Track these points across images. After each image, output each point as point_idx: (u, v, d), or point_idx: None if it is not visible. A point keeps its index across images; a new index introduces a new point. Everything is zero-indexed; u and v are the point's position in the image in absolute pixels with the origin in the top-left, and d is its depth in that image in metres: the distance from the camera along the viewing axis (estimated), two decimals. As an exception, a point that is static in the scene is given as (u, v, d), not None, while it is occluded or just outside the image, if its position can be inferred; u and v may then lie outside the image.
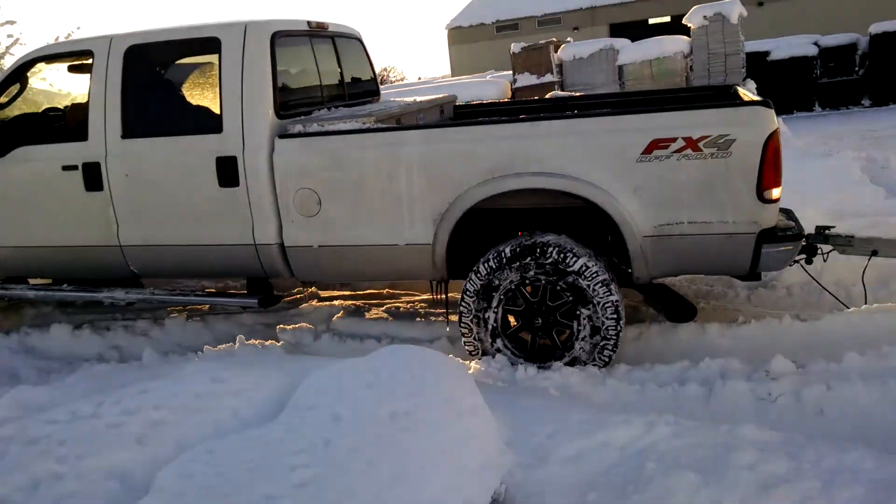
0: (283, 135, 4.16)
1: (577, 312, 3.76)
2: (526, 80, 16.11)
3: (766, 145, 3.48)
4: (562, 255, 3.73)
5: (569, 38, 18.66)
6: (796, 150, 7.37)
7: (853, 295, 4.40)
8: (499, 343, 3.95)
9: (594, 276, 3.70)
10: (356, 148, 4.07)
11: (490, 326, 3.93)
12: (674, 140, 3.55)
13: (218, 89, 4.22)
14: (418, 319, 4.91)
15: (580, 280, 3.71)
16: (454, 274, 4.12)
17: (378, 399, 2.83)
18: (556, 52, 16.17)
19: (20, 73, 4.83)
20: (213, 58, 4.29)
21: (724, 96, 4.88)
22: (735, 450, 2.66)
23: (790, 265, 3.98)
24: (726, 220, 3.60)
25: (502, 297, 3.89)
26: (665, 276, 4.10)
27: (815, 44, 15.68)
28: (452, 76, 29.36)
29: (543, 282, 3.80)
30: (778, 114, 3.64)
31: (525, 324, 3.93)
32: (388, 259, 4.12)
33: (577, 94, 10.13)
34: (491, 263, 3.86)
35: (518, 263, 3.80)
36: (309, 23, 4.80)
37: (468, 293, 3.93)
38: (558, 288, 3.77)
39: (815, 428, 3.05)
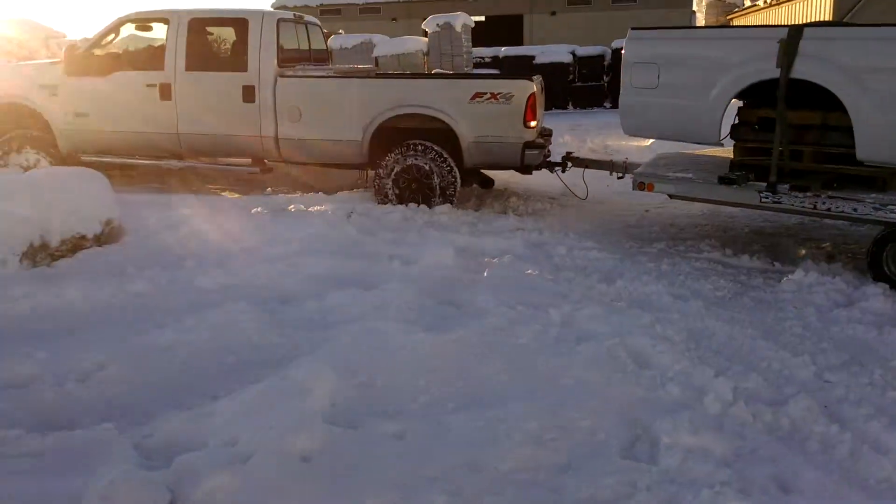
0: (283, 76, 7.52)
1: (432, 185, 7.15)
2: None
3: (528, 99, 6.94)
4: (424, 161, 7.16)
5: (340, 31, 20.78)
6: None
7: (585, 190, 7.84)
8: (392, 195, 7.25)
9: (436, 164, 7.12)
10: (324, 86, 7.52)
11: (389, 187, 7.25)
12: (485, 93, 7.01)
13: (246, 47, 7.55)
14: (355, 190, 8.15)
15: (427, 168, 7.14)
16: (372, 162, 7.46)
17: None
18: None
19: (116, 27, 8.01)
20: (244, 29, 7.62)
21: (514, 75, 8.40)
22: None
23: (553, 172, 7.49)
24: (509, 136, 7.02)
25: (395, 174, 7.23)
26: (480, 167, 7.50)
27: (573, 53, 19.18)
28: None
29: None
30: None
31: (407, 186, 7.25)
32: (337, 149, 7.48)
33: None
34: (386, 156, 7.21)
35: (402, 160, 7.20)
36: (294, 14, 8.30)
37: (379, 171, 7.27)
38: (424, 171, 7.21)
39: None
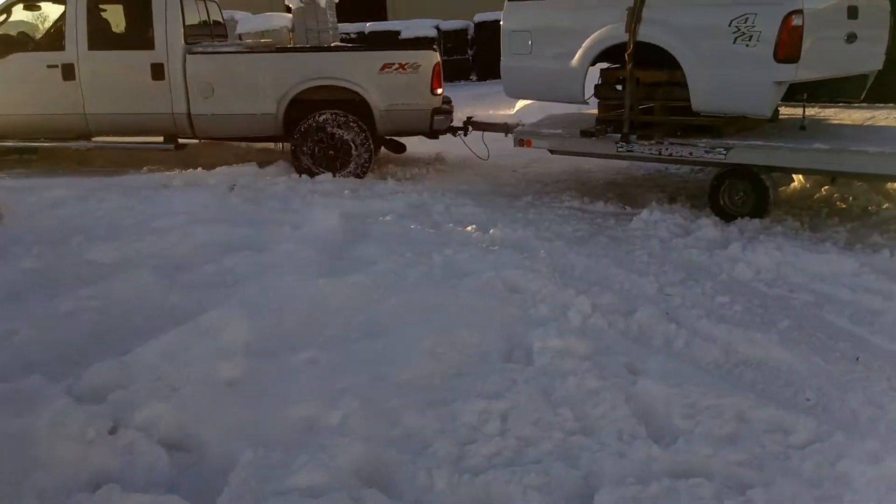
0: (192, 52, 7.57)
1: (350, 153, 7.50)
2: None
3: (433, 68, 7.42)
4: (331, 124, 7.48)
5: None
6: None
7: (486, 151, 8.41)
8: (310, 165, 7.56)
9: (352, 132, 7.47)
10: (236, 61, 7.69)
11: (306, 156, 7.53)
12: (394, 64, 7.41)
13: (151, 24, 7.54)
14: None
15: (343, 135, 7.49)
16: (286, 134, 7.68)
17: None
18: None
19: (7, 8, 7.82)
20: (146, 6, 7.61)
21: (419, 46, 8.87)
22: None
23: (455, 136, 7.99)
24: (417, 103, 7.48)
25: (312, 144, 7.51)
26: (391, 134, 7.92)
27: (437, 27, 19.75)
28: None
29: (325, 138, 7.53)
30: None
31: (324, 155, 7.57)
32: (251, 122, 7.66)
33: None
34: (302, 127, 7.48)
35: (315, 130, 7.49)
36: None
37: (294, 142, 7.51)
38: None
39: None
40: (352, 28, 20.06)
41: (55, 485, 2.42)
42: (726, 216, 5.79)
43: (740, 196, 5.81)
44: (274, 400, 2.94)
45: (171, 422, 2.76)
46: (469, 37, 19.78)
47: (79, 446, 2.57)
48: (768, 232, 5.36)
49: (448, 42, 19.71)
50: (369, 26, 20.40)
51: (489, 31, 18.69)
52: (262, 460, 2.53)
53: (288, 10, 18.19)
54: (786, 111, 6.78)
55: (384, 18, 28.06)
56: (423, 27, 19.81)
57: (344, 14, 20.49)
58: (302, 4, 17.61)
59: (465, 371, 3.28)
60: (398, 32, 19.62)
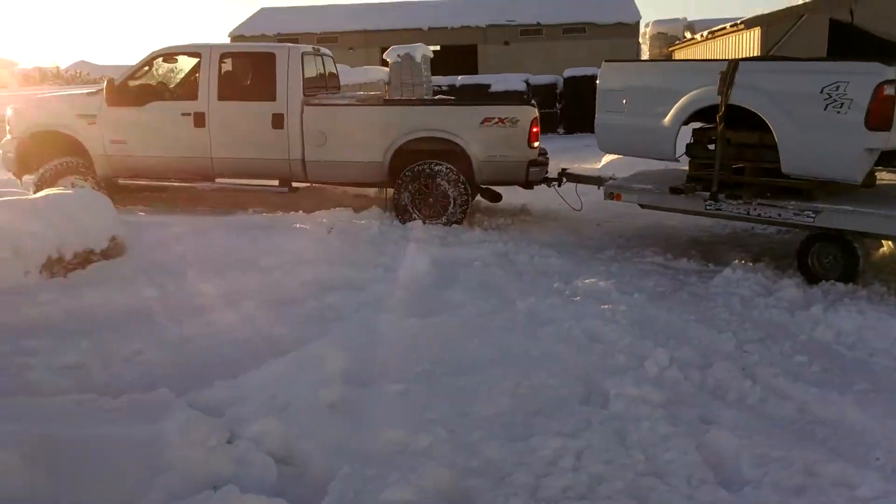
0: (308, 104, 8.27)
1: (448, 200, 7.93)
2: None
3: (531, 123, 7.84)
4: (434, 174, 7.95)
5: None
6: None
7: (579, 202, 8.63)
8: (412, 210, 8.03)
9: (452, 181, 7.91)
10: (348, 113, 8.33)
11: (408, 203, 8.00)
12: (494, 118, 7.86)
13: (274, 78, 8.27)
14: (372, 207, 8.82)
15: (444, 184, 7.93)
16: (392, 181, 8.18)
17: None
18: None
19: (149, 61, 8.72)
20: (271, 62, 8.35)
21: (518, 101, 9.30)
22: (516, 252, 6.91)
23: (550, 187, 8.32)
24: (515, 155, 7.87)
25: (413, 191, 7.99)
26: (488, 183, 8.29)
27: (526, 81, 20.28)
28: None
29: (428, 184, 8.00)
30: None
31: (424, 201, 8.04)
32: (360, 169, 8.25)
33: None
34: (406, 174, 7.99)
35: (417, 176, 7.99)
36: (314, 47, 9.14)
37: (397, 189, 8.01)
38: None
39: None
40: (444, 81, 20.85)
41: (181, 484, 2.78)
42: (812, 278, 5.83)
43: (829, 260, 5.85)
44: (369, 423, 3.25)
45: (278, 436, 3.11)
46: (558, 91, 20.22)
47: (202, 452, 2.94)
48: (853, 296, 5.37)
49: (537, 96, 20.11)
50: (461, 79, 21.15)
51: (578, 87, 19.15)
52: (358, 475, 2.83)
53: (384, 63, 19.12)
54: (885, 177, 6.78)
55: (475, 72, 29.05)
56: (513, 81, 20.42)
57: (438, 68, 21.40)
58: (399, 59, 18.54)
59: (543, 411, 3.50)
60: (488, 86, 20.27)
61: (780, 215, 6.00)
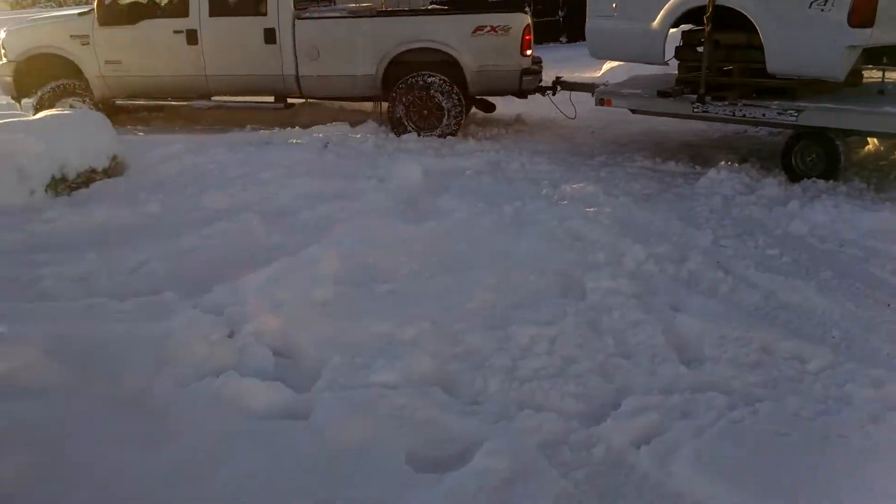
0: (300, 18, 8.21)
1: (442, 111, 7.98)
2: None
3: (524, 30, 7.80)
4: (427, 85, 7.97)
5: None
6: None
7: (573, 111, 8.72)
8: (406, 123, 8.11)
9: (445, 93, 7.94)
10: (340, 25, 8.23)
11: (402, 115, 8.07)
12: (486, 27, 7.82)
13: None
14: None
15: (438, 96, 7.96)
16: (385, 94, 8.22)
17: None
18: None
19: None
20: None
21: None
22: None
23: (544, 96, 8.33)
24: (508, 64, 7.87)
25: (407, 103, 8.05)
26: (482, 94, 8.35)
27: None
28: None
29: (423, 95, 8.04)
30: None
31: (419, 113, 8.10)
32: (353, 82, 8.27)
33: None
34: (400, 86, 8.01)
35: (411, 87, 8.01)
36: None
37: (391, 101, 8.06)
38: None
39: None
40: (443, -12, 20.31)
41: (188, 372, 3.06)
42: (795, 176, 5.97)
43: (812, 158, 5.97)
44: (358, 319, 3.50)
45: (275, 331, 3.37)
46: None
47: (205, 346, 3.21)
48: (831, 192, 5.53)
49: (538, 3, 19.71)
50: (461, -14, 20.59)
51: (577, -7, 18.71)
52: (348, 362, 3.10)
53: None
54: (871, 75, 6.80)
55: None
56: (514, -12, 19.86)
57: (435, -25, 20.81)
58: None
59: (523, 303, 3.74)
60: (489, -5, 19.77)
61: (764, 115, 6.09)
